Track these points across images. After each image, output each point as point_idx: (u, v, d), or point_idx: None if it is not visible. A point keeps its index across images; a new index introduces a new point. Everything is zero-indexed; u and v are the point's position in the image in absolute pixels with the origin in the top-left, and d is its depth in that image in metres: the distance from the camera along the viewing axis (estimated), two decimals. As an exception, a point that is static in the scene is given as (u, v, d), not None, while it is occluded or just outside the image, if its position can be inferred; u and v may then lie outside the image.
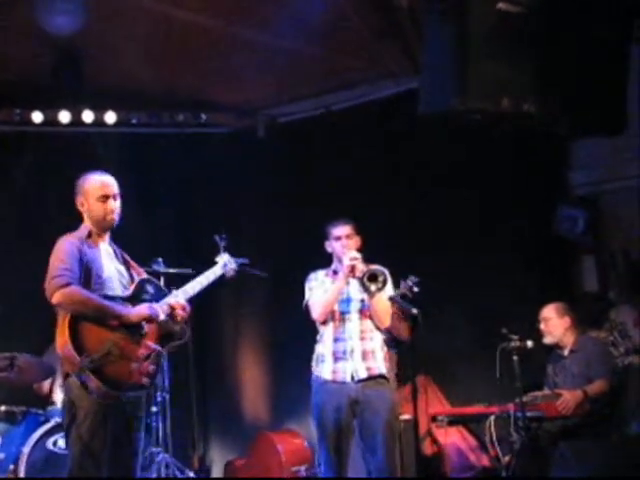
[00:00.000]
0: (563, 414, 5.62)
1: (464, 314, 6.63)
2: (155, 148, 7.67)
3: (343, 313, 5.07)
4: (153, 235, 7.35)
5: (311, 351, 5.19)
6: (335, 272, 5.14)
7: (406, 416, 5.78)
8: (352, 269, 4.93)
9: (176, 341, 4.30)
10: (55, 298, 3.92)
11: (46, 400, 6.42)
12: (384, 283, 4.89)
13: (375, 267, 4.93)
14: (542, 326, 6.03)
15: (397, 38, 6.52)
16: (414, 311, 4.74)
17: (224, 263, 4.72)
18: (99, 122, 7.37)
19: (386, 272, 4.95)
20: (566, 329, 5.97)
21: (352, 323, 5.06)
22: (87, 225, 4.22)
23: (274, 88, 7.45)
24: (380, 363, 5.03)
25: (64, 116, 7.26)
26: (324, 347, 5.09)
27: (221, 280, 4.67)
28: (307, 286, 5.20)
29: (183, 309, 4.26)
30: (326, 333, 5.09)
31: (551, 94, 4.68)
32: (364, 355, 5.01)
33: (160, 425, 6.52)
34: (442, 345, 6.53)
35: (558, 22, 4.67)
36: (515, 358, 5.54)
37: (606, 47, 4.82)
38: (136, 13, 6.14)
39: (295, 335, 6.12)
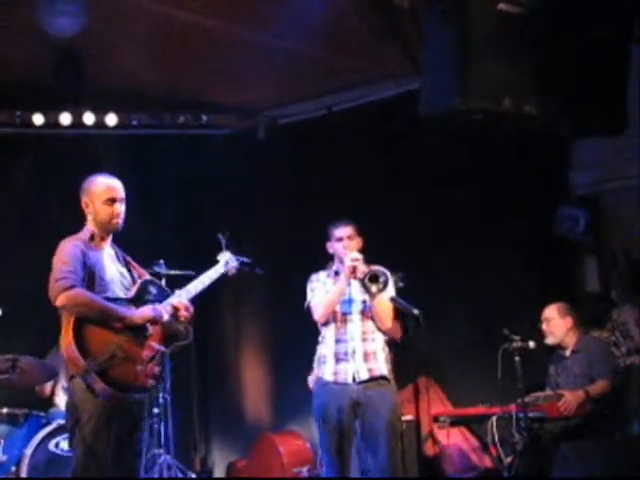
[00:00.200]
0: (565, 414, 5.61)
1: (466, 314, 6.64)
2: (156, 149, 7.67)
3: (345, 314, 5.07)
4: (154, 236, 7.36)
5: (313, 352, 5.19)
6: (337, 273, 5.14)
7: (408, 417, 5.79)
8: (353, 270, 4.93)
9: (180, 342, 4.30)
10: (59, 300, 3.91)
11: (48, 402, 6.43)
12: (385, 284, 4.89)
13: (376, 268, 4.93)
14: (544, 326, 6.02)
15: (398, 39, 6.51)
16: (415, 312, 4.75)
17: (226, 261, 4.73)
18: (100, 124, 7.37)
19: (387, 273, 4.95)
20: (568, 329, 5.97)
21: (354, 324, 5.05)
22: (90, 227, 4.22)
23: (275, 89, 7.45)
24: (382, 364, 5.03)
25: (65, 118, 7.26)
26: (326, 348, 5.09)
27: (223, 278, 4.67)
28: (309, 287, 5.20)
29: (186, 309, 4.26)
30: (328, 334, 5.09)
31: (552, 94, 4.67)
32: (366, 356, 5.01)
33: (162, 427, 6.53)
34: (444, 346, 6.53)
35: (559, 23, 4.67)
36: (517, 359, 5.54)
37: (606, 47, 4.81)
38: (137, 14, 6.13)
39: (296, 336, 6.13)
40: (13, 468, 5.84)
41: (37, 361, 6.05)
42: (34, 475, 5.73)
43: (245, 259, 4.96)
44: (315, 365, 5.14)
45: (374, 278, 4.89)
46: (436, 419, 6.09)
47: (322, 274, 5.24)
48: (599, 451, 5.14)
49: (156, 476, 6.32)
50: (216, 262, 4.73)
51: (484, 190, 6.67)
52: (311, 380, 5.36)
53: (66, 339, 3.89)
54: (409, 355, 4.88)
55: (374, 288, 4.89)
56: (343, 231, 5.11)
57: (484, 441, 6.06)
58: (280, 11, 6.02)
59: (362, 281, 4.92)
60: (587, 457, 5.02)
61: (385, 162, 7.03)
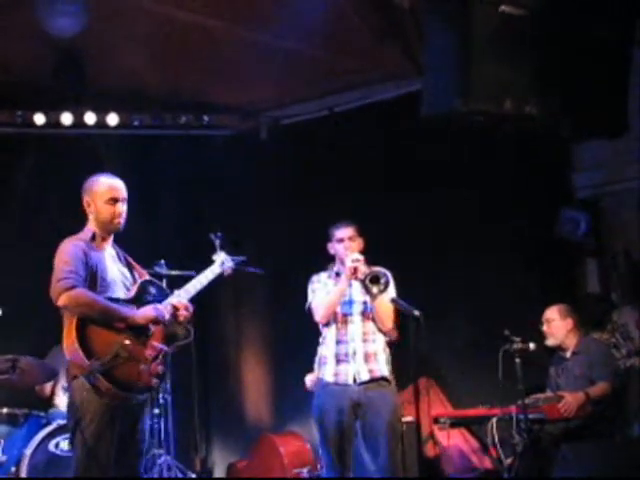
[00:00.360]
0: (565, 416, 5.61)
1: (466, 316, 6.64)
2: (157, 150, 7.67)
3: (345, 315, 5.07)
4: (155, 237, 7.35)
5: (313, 353, 5.19)
6: (337, 274, 5.14)
7: (408, 418, 5.78)
8: (354, 271, 4.93)
9: (181, 341, 4.30)
10: (61, 300, 3.91)
11: (48, 402, 6.42)
12: (386, 285, 4.89)
13: (377, 269, 4.94)
14: (545, 328, 6.02)
15: (398, 39, 6.52)
16: (416, 313, 4.75)
17: (222, 261, 4.72)
18: (101, 124, 7.37)
19: (388, 274, 4.95)
20: (569, 331, 5.96)
21: (354, 325, 5.05)
22: (91, 227, 4.21)
23: (277, 90, 7.46)
24: (382, 365, 5.03)
25: (66, 118, 7.26)
26: (326, 349, 5.09)
27: (219, 279, 4.67)
28: (310, 288, 5.20)
29: (186, 309, 4.26)
30: (328, 335, 5.09)
31: (553, 96, 4.68)
32: (366, 357, 5.01)
33: (162, 427, 6.52)
34: (444, 347, 6.54)
35: (560, 25, 4.67)
36: (517, 360, 5.53)
37: (607, 49, 4.82)
38: (138, 14, 6.13)
39: (297, 337, 6.14)
40: (13, 468, 5.83)
41: (37, 361, 6.05)
42: (33, 476, 5.72)
43: (240, 259, 4.95)
44: (316, 366, 5.14)
45: (375, 279, 4.89)
46: (436, 420, 6.09)
47: (323, 275, 5.24)
48: (599, 453, 5.15)
49: (156, 476, 6.32)
50: (212, 262, 4.72)
51: (485, 191, 6.68)
52: (308, 379, 5.36)
53: (69, 339, 3.88)
54: (409, 356, 4.87)
55: (375, 289, 4.89)
56: (344, 232, 5.10)
57: (484, 442, 6.05)
58: (281, 11, 6.02)
59: (363, 282, 4.92)
60: (587, 459, 5.02)
61: (386, 163, 7.03)
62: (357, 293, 5.08)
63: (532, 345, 5.64)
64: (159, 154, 7.68)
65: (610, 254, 6.71)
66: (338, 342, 5.05)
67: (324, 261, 5.52)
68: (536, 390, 5.90)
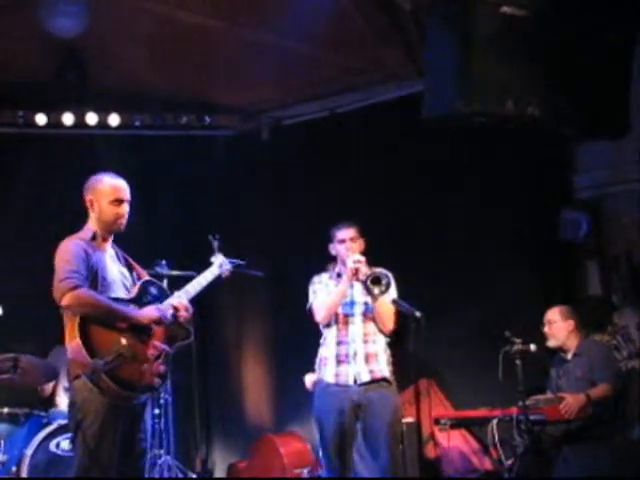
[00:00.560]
0: (566, 418, 5.61)
1: (467, 317, 6.63)
2: (158, 150, 7.66)
3: (347, 316, 5.07)
4: (156, 237, 7.34)
5: (314, 354, 5.19)
6: (339, 275, 5.14)
7: (409, 419, 5.78)
8: (356, 272, 4.93)
9: (180, 342, 4.30)
10: (65, 300, 3.89)
11: (49, 402, 6.43)
12: (387, 286, 4.89)
13: (379, 270, 4.94)
14: (546, 329, 6.02)
15: (401, 41, 6.52)
16: (417, 314, 4.75)
17: (220, 264, 4.72)
18: (103, 124, 7.37)
19: (390, 275, 4.94)
20: (570, 332, 5.96)
21: (355, 326, 5.05)
22: (92, 227, 4.19)
23: (278, 90, 7.46)
24: (383, 366, 5.03)
25: (68, 118, 7.26)
26: (327, 350, 5.09)
27: (217, 281, 4.67)
28: (311, 289, 5.20)
29: (186, 310, 4.26)
30: (329, 336, 5.10)
31: (555, 97, 4.68)
32: (367, 358, 5.01)
33: (162, 427, 6.52)
34: (445, 348, 6.54)
35: (561, 25, 4.67)
36: (518, 361, 5.53)
37: (609, 50, 4.82)
38: (139, 15, 6.15)
39: (298, 337, 6.13)
40: (14, 468, 5.83)
41: (38, 361, 6.06)
42: (34, 475, 5.73)
43: (238, 262, 4.95)
44: (316, 367, 5.14)
45: (376, 280, 4.89)
46: (437, 421, 6.08)
47: (324, 276, 5.24)
48: (600, 454, 5.14)
49: (156, 476, 6.32)
50: (210, 264, 4.73)
51: (486, 192, 6.68)
52: (308, 379, 5.35)
53: (72, 338, 3.87)
54: (410, 357, 4.87)
55: (376, 290, 4.89)
56: (346, 233, 5.10)
57: (485, 443, 6.05)
58: (283, 12, 6.02)
59: (364, 283, 4.92)
60: (588, 460, 5.02)
61: (387, 163, 7.03)
62: (358, 294, 5.08)
63: (533, 346, 5.63)
64: (160, 154, 7.67)
65: (611, 256, 6.71)
66: (339, 343, 5.05)
67: (325, 262, 5.52)
68: (537, 391, 5.89)
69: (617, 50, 4.82)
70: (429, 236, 6.81)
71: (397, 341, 5.15)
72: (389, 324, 5.05)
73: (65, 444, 5.75)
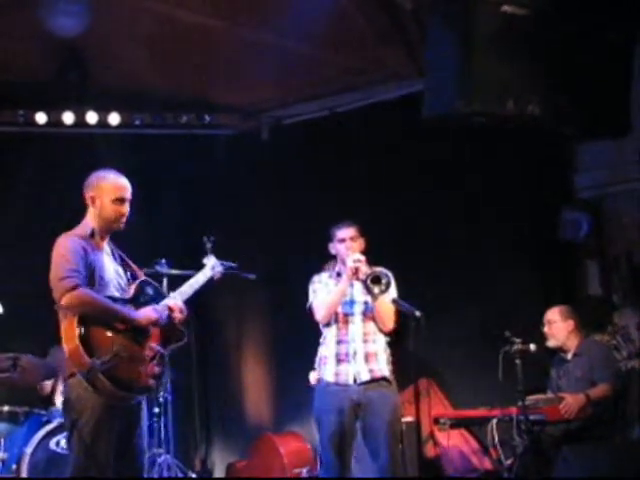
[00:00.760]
0: (565, 417, 5.61)
1: (467, 317, 6.63)
2: (159, 149, 7.66)
3: (346, 315, 5.06)
4: (156, 236, 7.35)
5: (314, 353, 5.19)
6: (339, 274, 5.14)
7: (408, 418, 5.78)
8: (355, 271, 4.93)
9: (175, 343, 4.27)
10: (65, 300, 3.84)
11: (49, 401, 6.42)
12: (387, 285, 4.88)
13: (379, 269, 4.93)
14: (546, 329, 6.02)
15: (401, 40, 6.52)
16: (417, 313, 4.75)
17: (212, 265, 4.71)
18: (103, 123, 7.37)
19: (390, 274, 4.94)
20: (570, 332, 5.96)
21: (355, 325, 5.05)
22: (91, 224, 4.12)
23: (278, 90, 7.46)
24: (383, 365, 5.03)
25: (68, 117, 7.26)
26: (327, 349, 5.08)
27: (210, 282, 4.65)
28: (311, 288, 5.20)
29: (181, 311, 4.23)
30: (329, 335, 5.09)
31: (555, 96, 4.68)
32: (367, 357, 5.00)
33: (162, 426, 6.52)
34: (445, 347, 6.54)
35: (562, 24, 4.67)
36: (518, 361, 5.53)
37: (610, 49, 4.82)
38: (139, 14, 6.15)
39: (297, 337, 6.13)
40: (14, 466, 5.83)
41: (38, 359, 6.06)
42: (34, 474, 5.72)
43: (230, 264, 4.95)
44: (316, 366, 5.14)
45: (376, 280, 4.89)
46: (436, 421, 6.08)
47: (324, 275, 5.24)
48: (599, 454, 5.14)
49: (156, 476, 6.32)
50: (202, 266, 4.72)
51: (486, 191, 6.69)
52: (312, 377, 5.34)
53: (70, 337, 3.84)
54: (410, 356, 4.87)
55: (376, 289, 4.89)
56: (346, 232, 5.10)
57: (484, 443, 6.05)
58: (283, 11, 6.02)
59: (364, 282, 4.92)
60: (587, 460, 5.02)
61: (388, 163, 7.03)
62: (358, 293, 5.08)
63: (532, 346, 5.63)
64: (160, 154, 7.67)
65: (611, 256, 6.71)
66: (339, 342, 5.04)
67: (325, 261, 5.52)
68: (536, 391, 5.89)
69: (618, 49, 4.82)
70: (429, 235, 6.81)
71: (397, 340, 5.14)
72: (389, 323, 5.04)
73: (65, 442, 5.74)
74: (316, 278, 5.22)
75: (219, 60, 6.79)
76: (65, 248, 3.97)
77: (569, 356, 5.97)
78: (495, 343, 5.69)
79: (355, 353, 5.01)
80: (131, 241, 4.37)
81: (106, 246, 4.19)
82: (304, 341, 5.48)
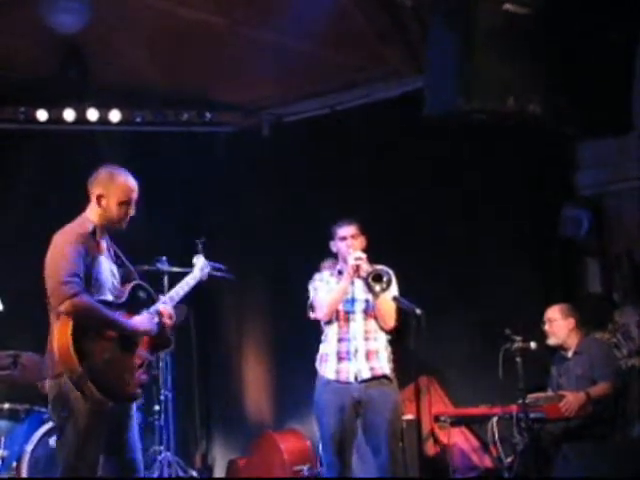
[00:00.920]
0: (566, 416, 5.61)
1: (467, 314, 6.63)
2: (159, 146, 7.67)
3: (347, 313, 5.06)
4: (156, 233, 7.34)
5: (315, 350, 5.19)
6: (340, 272, 5.13)
7: (409, 416, 5.79)
8: (357, 269, 4.93)
9: (161, 350, 4.24)
10: (64, 307, 3.74)
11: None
12: (388, 283, 4.88)
13: (380, 267, 4.93)
14: (546, 327, 6.01)
15: (402, 38, 6.52)
16: (418, 311, 4.75)
17: (201, 267, 4.69)
18: (104, 120, 7.37)
19: (391, 272, 4.94)
20: (570, 330, 5.96)
21: (356, 323, 5.05)
22: (93, 220, 4.02)
23: (279, 87, 7.46)
24: (384, 363, 5.03)
25: (69, 114, 7.26)
26: (328, 347, 5.08)
27: (198, 284, 4.63)
28: (312, 286, 5.20)
29: (170, 317, 4.16)
30: (330, 333, 5.09)
31: (556, 94, 4.68)
32: (368, 355, 5.00)
33: (163, 423, 6.53)
34: (445, 345, 6.54)
35: (564, 23, 4.67)
36: (518, 359, 5.53)
37: (611, 47, 4.82)
38: (141, 11, 6.14)
39: (298, 334, 6.14)
40: (14, 464, 5.84)
41: (38, 357, 6.03)
42: (34, 471, 5.74)
43: (217, 265, 4.94)
44: (317, 364, 5.14)
45: (377, 277, 4.89)
46: (437, 419, 6.10)
47: (325, 273, 5.24)
48: (600, 453, 5.15)
49: (156, 473, 6.33)
50: (191, 265, 4.72)
51: (487, 189, 6.68)
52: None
53: (63, 342, 3.74)
54: (410, 354, 4.88)
55: (377, 287, 4.89)
56: (347, 230, 5.09)
57: (485, 441, 6.06)
58: (284, 9, 6.02)
59: (365, 280, 4.92)
60: (587, 458, 5.02)
61: (389, 161, 7.03)
62: (359, 291, 5.08)
63: (533, 344, 5.63)
64: (161, 151, 7.68)
65: (612, 254, 6.70)
66: (340, 340, 5.04)
67: (326, 259, 5.52)
68: (537, 389, 5.89)
69: (619, 48, 4.81)
70: (429, 233, 6.81)
71: (398, 338, 5.15)
72: (390, 321, 5.04)
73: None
74: (317, 276, 5.22)
75: (220, 57, 6.79)
76: (65, 246, 3.87)
77: (569, 354, 5.97)
78: (495, 341, 5.69)
79: (356, 351, 5.01)
80: (131, 238, 4.33)
81: (103, 243, 4.09)
82: (305, 339, 5.49)
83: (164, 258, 6.29)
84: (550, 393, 5.89)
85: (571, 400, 5.60)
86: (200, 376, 7.91)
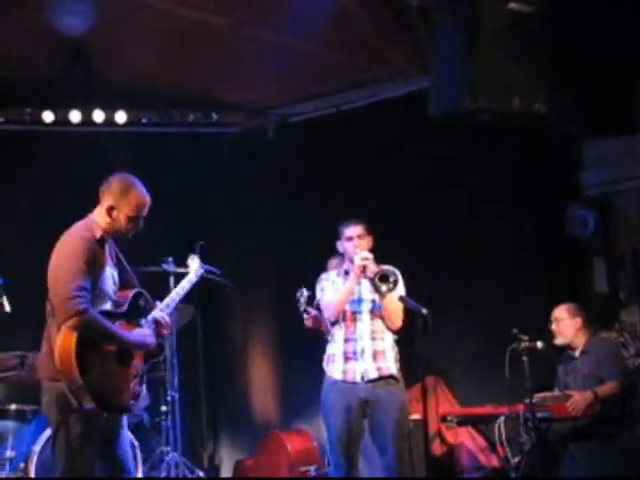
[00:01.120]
0: (573, 415, 5.60)
1: (474, 314, 6.63)
2: (165, 147, 7.67)
3: (354, 313, 5.06)
4: (162, 234, 7.34)
5: (321, 351, 5.19)
6: (347, 272, 5.13)
7: (415, 416, 5.79)
8: (363, 269, 4.93)
9: (152, 359, 4.19)
10: (71, 322, 3.68)
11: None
12: (395, 283, 4.88)
13: (386, 267, 4.93)
14: (553, 327, 6.01)
15: (407, 38, 6.51)
16: (424, 311, 4.75)
17: (195, 270, 4.68)
18: (109, 121, 7.37)
19: (397, 272, 4.93)
20: (577, 330, 5.95)
21: (363, 323, 5.05)
22: (101, 224, 3.96)
23: (284, 87, 7.46)
24: (390, 363, 5.02)
25: (75, 115, 7.26)
26: (335, 347, 5.08)
27: (193, 287, 4.62)
28: (318, 286, 5.20)
29: (167, 326, 4.14)
30: (337, 333, 5.09)
31: (562, 94, 4.68)
32: (375, 355, 5.00)
33: (170, 424, 6.53)
34: (452, 345, 6.54)
35: (569, 22, 4.67)
36: (525, 359, 5.52)
37: (617, 47, 4.81)
38: (146, 13, 6.15)
39: (305, 335, 6.12)
40: (22, 464, 5.85)
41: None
42: (42, 472, 5.73)
43: (211, 268, 4.94)
44: (324, 364, 5.14)
45: (384, 277, 4.89)
46: (444, 418, 6.09)
47: (332, 273, 5.24)
48: (607, 452, 5.14)
49: (163, 473, 6.33)
50: (186, 266, 4.75)
51: (492, 189, 6.68)
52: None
53: (66, 353, 3.70)
54: (417, 354, 4.87)
55: (384, 287, 4.88)
56: (353, 230, 5.09)
57: (491, 441, 6.05)
58: (289, 9, 6.02)
59: (372, 280, 4.92)
60: (595, 458, 5.02)
61: (394, 161, 7.02)
62: (366, 291, 5.07)
63: (540, 344, 5.63)
64: (167, 151, 7.68)
65: (618, 253, 6.70)
66: (346, 340, 5.04)
67: (332, 257, 5.52)
68: (544, 389, 5.88)
69: (624, 47, 4.81)
70: (436, 233, 6.80)
71: (405, 338, 5.15)
72: (397, 321, 5.04)
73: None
74: (324, 276, 5.23)
75: (225, 58, 6.79)
76: (75, 255, 3.80)
77: (577, 353, 5.96)
78: (502, 341, 5.69)
79: (363, 351, 5.00)
80: (136, 239, 4.32)
81: (107, 247, 4.03)
82: (312, 339, 5.49)
83: (170, 259, 6.28)
84: (557, 392, 5.89)
85: (578, 399, 5.59)
86: (207, 377, 7.91)
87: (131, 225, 3.99)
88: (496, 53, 4.50)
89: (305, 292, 5.47)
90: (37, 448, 5.78)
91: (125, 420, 4.10)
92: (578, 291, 6.67)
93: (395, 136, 6.98)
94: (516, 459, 5.71)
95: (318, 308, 5.20)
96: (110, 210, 3.95)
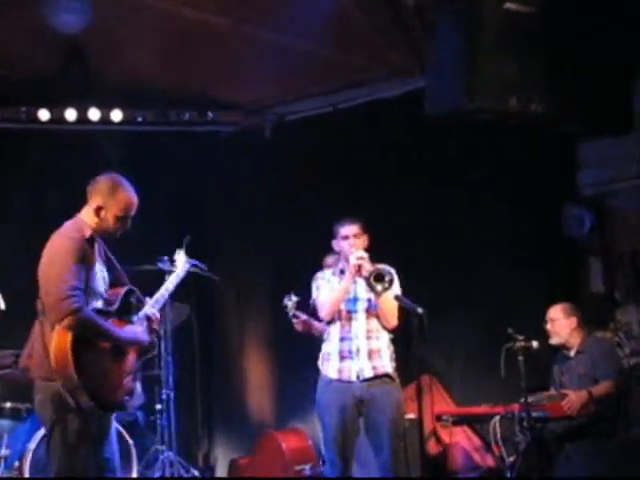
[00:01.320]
0: (568, 415, 5.60)
1: (469, 313, 6.63)
2: (161, 146, 7.67)
3: (350, 312, 5.06)
4: (157, 233, 7.34)
5: (317, 350, 5.19)
6: (342, 271, 5.13)
7: (411, 415, 5.78)
8: (359, 268, 4.92)
9: (145, 355, 4.18)
10: (66, 322, 3.69)
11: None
12: (390, 283, 4.88)
13: (382, 267, 4.93)
14: (549, 326, 6.01)
15: (404, 37, 6.51)
16: (419, 310, 4.75)
17: (182, 265, 4.70)
18: (105, 120, 7.36)
19: (393, 272, 4.94)
20: (573, 330, 5.95)
21: (359, 322, 5.05)
22: (90, 224, 3.97)
23: (281, 86, 7.45)
24: (386, 362, 5.03)
25: (70, 114, 7.26)
26: (330, 346, 5.08)
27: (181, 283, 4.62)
28: (314, 285, 5.20)
29: (157, 322, 4.15)
30: (332, 332, 5.09)
31: (559, 94, 4.68)
32: (370, 354, 5.00)
33: (165, 423, 6.53)
34: (447, 344, 6.54)
35: (566, 22, 4.68)
36: (520, 358, 5.53)
37: (614, 48, 4.82)
38: (143, 11, 6.14)
39: (300, 334, 6.13)
40: (16, 463, 5.84)
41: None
42: (37, 470, 5.72)
43: (198, 263, 4.94)
44: (319, 363, 5.14)
45: (379, 277, 4.89)
46: (439, 418, 6.10)
47: (328, 272, 5.25)
48: (602, 451, 5.15)
49: (158, 472, 6.33)
50: (173, 261, 4.79)
51: (489, 189, 6.68)
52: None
53: (61, 352, 3.71)
54: (412, 353, 4.87)
55: (379, 287, 4.88)
56: (349, 229, 5.09)
57: (487, 440, 6.05)
58: (287, 9, 6.02)
59: (367, 280, 4.92)
60: (590, 457, 5.03)
61: (391, 160, 7.03)
62: (361, 290, 5.07)
63: (535, 343, 5.63)
64: (163, 150, 7.68)
65: (614, 253, 6.70)
66: (342, 339, 5.04)
67: (328, 255, 5.52)
68: (539, 388, 5.89)
69: (621, 48, 4.82)
70: (433, 233, 6.81)
71: (400, 337, 5.15)
72: (392, 320, 5.05)
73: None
74: (319, 275, 5.23)
75: (222, 57, 6.78)
76: (67, 255, 3.81)
77: (572, 353, 5.96)
78: (498, 340, 5.69)
79: (358, 350, 5.01)
80: (131, 237, 4.32)
81: (96, 246, 4.03)
82: (307, 338, 5.49)
83: (165, 258, 6.27)
84: (552, 392, 5.89)
85: (573, 399, 5.60)
86: (202, 375, 7.91)
87: (119, 225, 4.01)
88: (493, 53, 4.51)
89: (294, 297, 5.50)
90: (32, 446, 5.76)
91: (114, 418, 4.10)
92: (574, 291, 6.68)
93: (392, 135, 6.98)
94: (511, 458, 5.71)
95: (314, 308, 5.20)
96: (98, 210, 3.97)
